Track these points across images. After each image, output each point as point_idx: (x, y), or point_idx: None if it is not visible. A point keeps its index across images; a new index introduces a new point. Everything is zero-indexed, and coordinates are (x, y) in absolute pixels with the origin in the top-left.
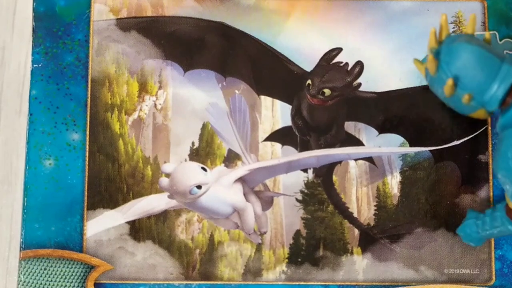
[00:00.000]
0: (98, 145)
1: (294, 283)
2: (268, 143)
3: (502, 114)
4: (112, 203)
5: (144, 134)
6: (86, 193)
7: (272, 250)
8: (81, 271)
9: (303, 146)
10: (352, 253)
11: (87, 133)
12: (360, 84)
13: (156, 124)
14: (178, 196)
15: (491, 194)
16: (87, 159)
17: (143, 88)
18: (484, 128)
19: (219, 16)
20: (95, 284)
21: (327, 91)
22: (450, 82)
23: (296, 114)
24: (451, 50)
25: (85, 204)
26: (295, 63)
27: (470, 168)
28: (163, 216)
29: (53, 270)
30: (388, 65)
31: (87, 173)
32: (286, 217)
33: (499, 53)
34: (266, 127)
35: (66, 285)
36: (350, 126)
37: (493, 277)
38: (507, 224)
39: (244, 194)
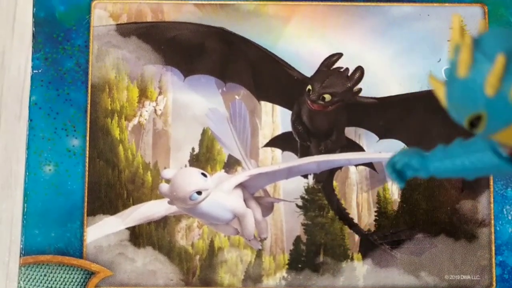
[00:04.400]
0: (98, 151)
1: None
2: (268, 148)
3: None
4: (112, 209)
5: (144, 139)
6: (86, 199)
7: (273, 256)
8: (81, 277)
9: (304, 152)
10: (352, 259)
11: (87, 138)
12: (360, 90)
13: (156, 130)
14: (178, 202)
15: (492, 199)
16: (87, 165)
17: (143, 94)
18: None
19: (219, 22)
20: None
21: (327, 97)
22: (501, 59)
23: (296, 120)
24: (495, 32)
25: (85, 210)
26: (295, 69)
27: None
28: (163, 222)
29: (53, 276)
30: (389, 70)
31: (87, 179)
32: (287, 223)
33: None
34: (266, 133)
35: None
36: (351, 132)
37: (494, 283)
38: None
39: (244, 200)
